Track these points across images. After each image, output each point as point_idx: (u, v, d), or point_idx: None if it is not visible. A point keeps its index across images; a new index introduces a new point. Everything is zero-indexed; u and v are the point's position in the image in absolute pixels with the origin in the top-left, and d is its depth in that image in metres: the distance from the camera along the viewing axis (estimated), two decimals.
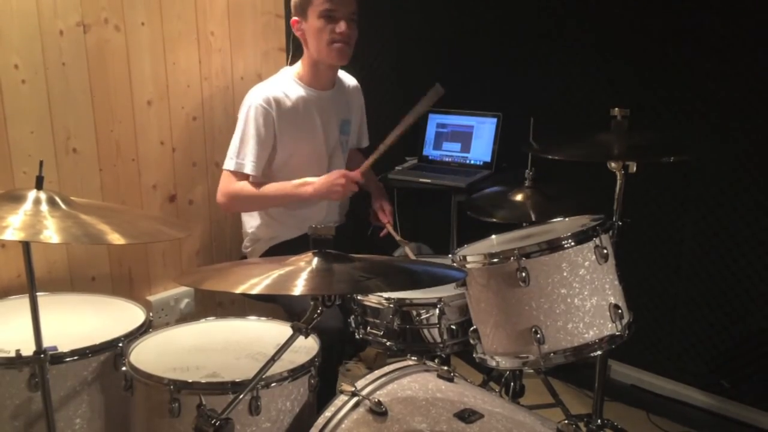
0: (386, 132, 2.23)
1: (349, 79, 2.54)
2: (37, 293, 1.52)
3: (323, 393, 1.72)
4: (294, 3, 2.31)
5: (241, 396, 1.34)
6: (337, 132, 2.44)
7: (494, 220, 2.20)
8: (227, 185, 2.28)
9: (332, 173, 2.28)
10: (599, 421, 2.17)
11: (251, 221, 2.44)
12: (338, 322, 2.07)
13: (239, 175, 2.26)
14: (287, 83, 2.35)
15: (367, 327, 2.07)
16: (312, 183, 2.28)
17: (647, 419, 2.58)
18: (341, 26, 2.24)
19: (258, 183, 2.28)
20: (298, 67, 2.39)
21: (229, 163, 2.28)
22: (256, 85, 2.34)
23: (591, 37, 2.69)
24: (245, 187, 2.27)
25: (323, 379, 1.75)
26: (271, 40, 2.73)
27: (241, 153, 2.26)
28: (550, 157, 2.00)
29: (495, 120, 2.80)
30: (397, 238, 2.45)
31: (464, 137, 2.88)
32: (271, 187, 2.29)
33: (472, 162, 2.84)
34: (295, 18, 2.31)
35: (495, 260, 1.71)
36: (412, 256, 2.42)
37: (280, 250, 2.34)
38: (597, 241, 1.70)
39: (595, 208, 1.91)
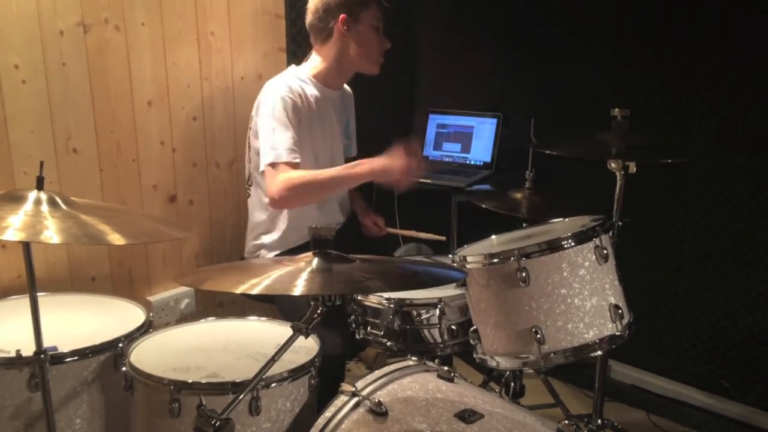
0: (385, 135, 2.20)
1: (345, 85, 2.50)
2: (38, 293, 1.52)
3: (323, 395, 1.70)
4: None
5: (241, 396, 1.34)
6: (340, 133, 2.42)
7: (496, 210, 2.20)
8: (272, 181, 2.11)
9: (397, 153, 2.10)
10: (599, 421, 2.18)
11: (257, 228, 2.35)
12: (339, 348, 2.03)
13: (280, 166, 2.11)
14: (302, 80, 2.28)
15: (368, 327, 2.07)
16: (368, 161, 2.13)
17: (647, 419, 2.59)
18: (387, 43, 2.28)
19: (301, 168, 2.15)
20: (314, 64, 2.32)
21: (267, 157, 2.12)
22: (273, 79, 2.26)
23: (591, 37, 2.69)
24: (293, 174, 2.09)
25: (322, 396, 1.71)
26: (271, 40, 2.73)
27: (275, 143, 2.12)
28: (549, 152, 2.00)
29: (495, 120, 2.80)
30: (404, 232, 2.45)
31: (464, 137, 2.88)
32: (323, 172, 2.16)
33: (472, 162, 2.84)
34: (344, 15, 2.22)
35: (495, 260, 1.71)
36: (424, 236, 2.38)
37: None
38: (597, 241, 1.70)
39: (595, 209, 1.91)
